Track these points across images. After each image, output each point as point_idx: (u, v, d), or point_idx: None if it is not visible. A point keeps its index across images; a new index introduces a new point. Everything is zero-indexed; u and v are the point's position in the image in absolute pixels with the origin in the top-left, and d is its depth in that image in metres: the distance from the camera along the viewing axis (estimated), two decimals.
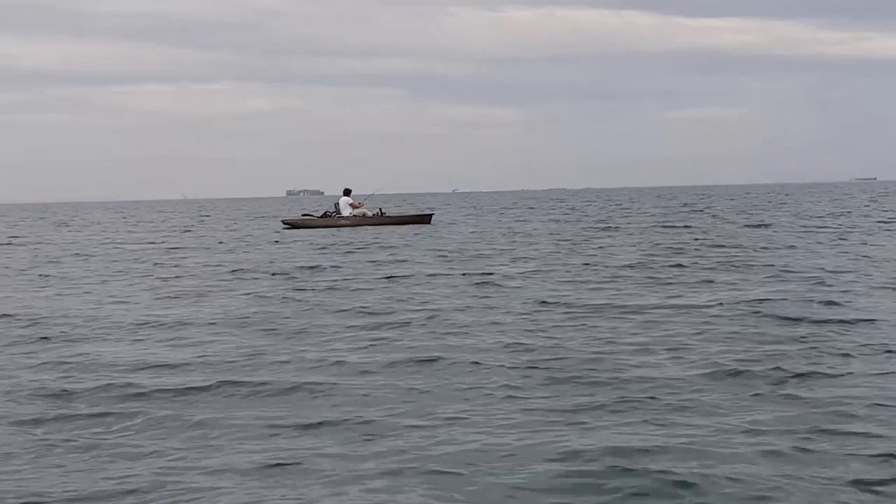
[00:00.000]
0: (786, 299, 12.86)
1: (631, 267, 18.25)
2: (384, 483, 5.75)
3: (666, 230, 31.87)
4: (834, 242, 23.74)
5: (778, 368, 8.46)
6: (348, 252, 24.39)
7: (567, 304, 12.96)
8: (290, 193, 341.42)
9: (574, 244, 25.85)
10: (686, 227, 33.69)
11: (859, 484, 5.60)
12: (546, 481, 5.71)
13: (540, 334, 10.64)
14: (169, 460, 6.32)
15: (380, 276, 17.53)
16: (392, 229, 35.16)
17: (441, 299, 14.00)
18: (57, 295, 16.14)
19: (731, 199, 76.68)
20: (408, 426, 6.93)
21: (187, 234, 40.42)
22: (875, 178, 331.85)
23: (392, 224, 38.06)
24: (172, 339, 11.01)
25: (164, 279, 18.56)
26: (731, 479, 5.64)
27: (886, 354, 9.12)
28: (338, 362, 9.27)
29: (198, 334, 11.29)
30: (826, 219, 37.29)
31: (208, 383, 8.44)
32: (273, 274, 18.89)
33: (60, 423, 7.32)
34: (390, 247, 25.89)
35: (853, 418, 6.90)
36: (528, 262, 20.36)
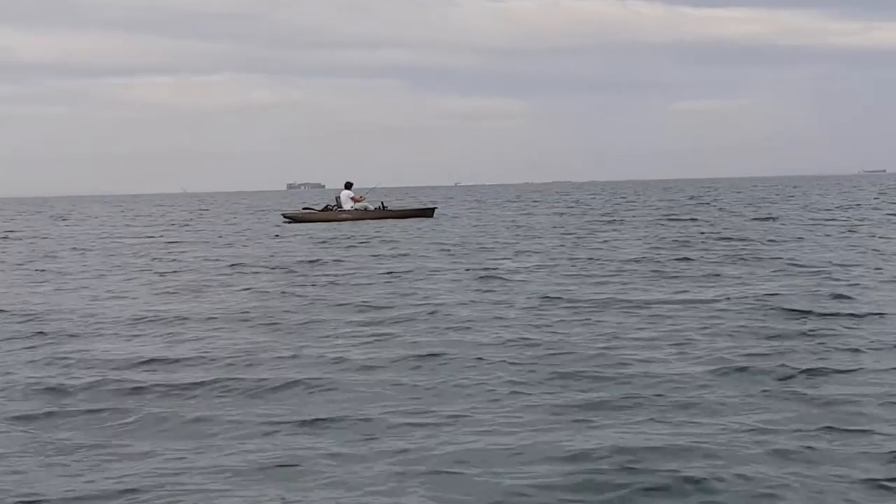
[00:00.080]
0: (794, 293, 12.79)
1: (636, 261, 18.18)
2: (385, 482, 5.66)
3: (672, 223, 31.86)
4: (842, 236, 23.66)
5: (786, 365, 8.38)
6: (350, 246, 24.33)
7: (572, 299, 12.87)
8: (290, 187, 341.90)
9: (579, 238, 25.79)
10: (692, 220, 33.67)
11: (869, 483, 5.51)
12: (550, 481, 5.61)
13: (544, 330, 10.55)
14: (167, 459, 6.26)
15: (382, 271, 17.46)
16: (394, 223, 35.10)
17: (444, 294, 13.91)
18: (54, 290, 16.07)
19: (738, 192, 76.75)
20: (410, 424, 6.84)
21: (186, 228, 40.44)
22: (884, 171, 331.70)
23: (394, 218, 37.95)
24: (171, 335, 10.93)
25: (163, 274, 18.51)
26: (738, 477, 5.56)
27: None
28: (339, 358, 9.18)
29: (197, 330, 11.22)
30: (834, 211, 37.22)
31: (207, 379, 8.38)
32: (273, 268, 18.82)
33: (57, 421, 7.25)
34: (392, 241, 25.85)
35: (862, 415, 6.82)
36: (533, 255, 20.29)
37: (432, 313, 11.88)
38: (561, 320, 11.14)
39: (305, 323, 11.46)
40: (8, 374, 8.93)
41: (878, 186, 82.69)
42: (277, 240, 28.82)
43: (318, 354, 9.41)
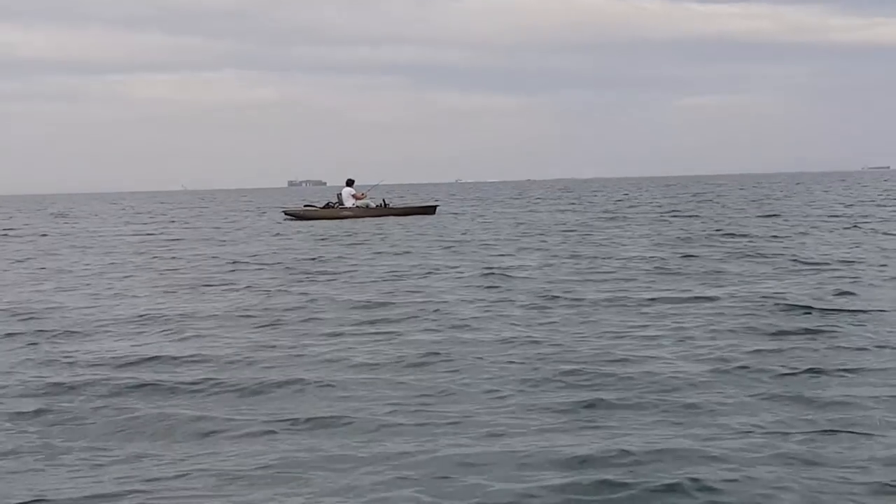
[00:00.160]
0: (797, 291, 12.73)
1: (640, 258, 18.12)
2: (386, 485, 5.60)
3: (675, 220, 31.83)
4: (847, 232, 23.62)
5: (790, 364, 8.32)
6: (351, 244, 24.29)
7: (575, 297, 12.81)
8: (291, 184, 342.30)
9: (582, 235, 25.75)
10: (696, 216, 33.68)
11: (874, 486, 5.45)
12: (553, 483, 5.55)
13: (547, 328, 10.50)
14: (166, 459, 6.22)
15: (383, 269, 17.40)
16: (396, 220, 35.02)
17: (446, 292, 13.85)
18: (54, 288, 16.00)
19: (742, 188, 76.77)
20: (411, 424, 6.79)
21: (187, 225, 40.42)
22: (888, 167, 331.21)
23: (396, 215, 37.86)
24: (172, 333, 10.88)
25: (163, 272, 18.46)
26: (742, 480, 5.50)
27: None
28: (339, 357, 9.13)
29: (197, 328, 11.17)
30: (838, 208, 37.17)
31: (208, 378, 8.34)
32: (274, 266, 18.76)
33: (57, 420, 7.22)
34: (394, 238, 25.80)
35: (867, 416, 6.75)
36: (535, 253, 20.25)
37: (435, 311, 11.82)
38: (564, 318, 11.09)
39: (306, 321, 11.41)
40: (7, 372, 8.89)
41: (882, 182, 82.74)
42: (278, 237, 28.80)
43: (319, 353, 9.36)
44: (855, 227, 25.24)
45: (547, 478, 5.63)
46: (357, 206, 37.42)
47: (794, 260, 16.81)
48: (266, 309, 12.49)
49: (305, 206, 41.45)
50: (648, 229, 27.26)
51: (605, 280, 14.78)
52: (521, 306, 12.17)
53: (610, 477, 5.59)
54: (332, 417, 6.99)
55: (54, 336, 10.88)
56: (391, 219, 36.18)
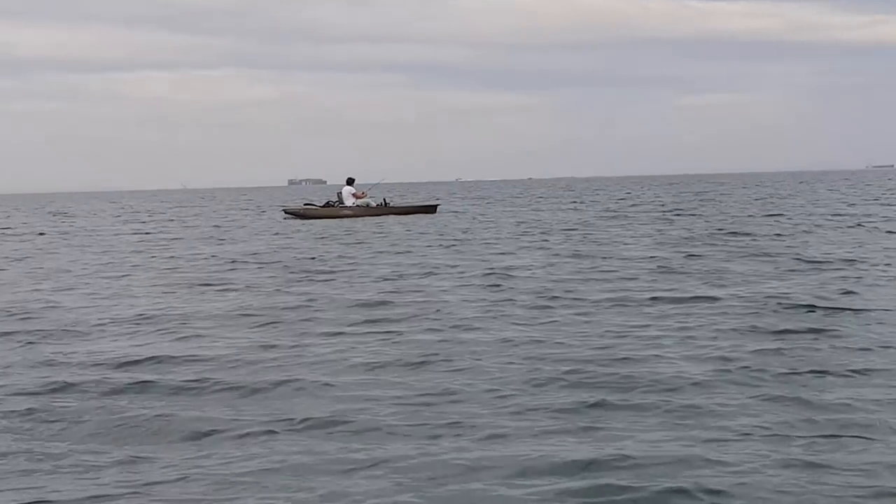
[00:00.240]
0: (801, 290, 12.67)
1: (642, 257, 18.07)
2: (385, 490, 5.54)
3: (678, 219, 31.84)
4: (850, 231, 23.56)
5: (793, 365, 8.28)
6: (351, 243, 24.26)
7: (576, 297, 12.77)
8: (291, 182, 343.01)
9: (584, 234, 25.73)
10: (698, 215, 33.70)
11: (878, 490, 5.39)
12: (554, 488, 5.49)
13: (549, 328, 10.44)
14: (164, 460, 6.18)
15: (383, 268, 17.35)
16: (396, 219, 35.00)
17: (447, 292, 13.79)
18: (52, 287, 15.95)
19: (745, 187, 76.84)
20: (411, 426, 6.73)
21: (186, 224, 40.39)
22: (892, 166, 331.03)
23: (396, 214, 37.80)
24: (170, 333, 10.84)
25: (161, 271, 18.43)
26: (744, 485, 5.44)
27: None
28: (339, 358, 9.08)
29: (196, 327, 11.13)
30: (842, 207, 37.17)
31: (205, 379, 8.30)
32: (274, 265, 18.71)
33: (52, 421, 7.17)
34: (394, 238, 25.78)
35: (871, 419, 6.69)
36: (537, 252, 20.19)
37: (435, 311, 11.77)
38: (566, 319, 11.03)
39: (306, 320, 11.36)
40: (4, 373, 8.85)
41: (886, 181, 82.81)
42: (278, 236, 28.81)
43: (318, 353, 9.32)
44: (859, 225, 25.20)
45: (549, 483, 5.57)
46: (357, 205, 37.38)
47: (798, 259, 16.77)
48: (265, 308, 12.44)
49: (305, 204, 41.38)
50: (651, 228, 27.24)
51: (607, 280, 14.73)
52: (523, 306, 12.12)
53: (612, 481, 5.53)
54: (331, 419, 6.93)
55: (51, 336, 10.84)
56: (391, 218, 36.16)
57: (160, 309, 12.65)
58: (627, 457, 5.91)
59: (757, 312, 11.03)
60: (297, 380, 8.15)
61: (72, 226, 41.78)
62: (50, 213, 63.09)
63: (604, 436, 6.40)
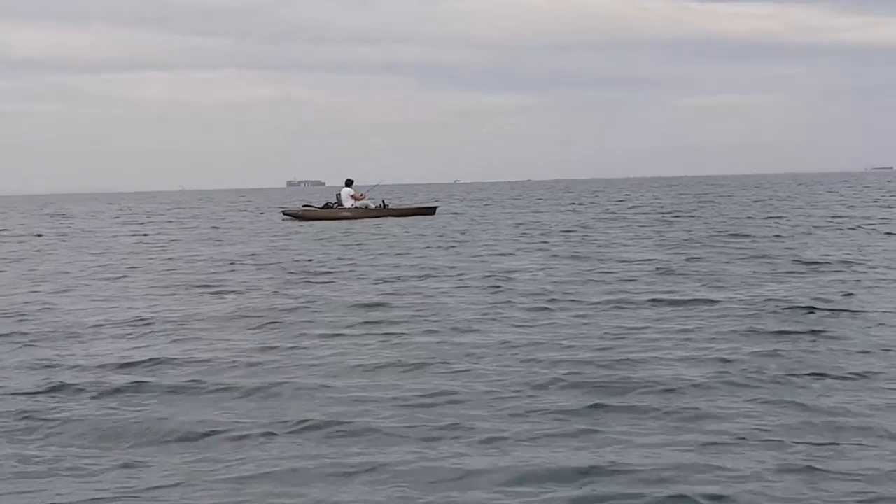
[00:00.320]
0: (800, 293, 12.65)
1: (641, 260, 18.04)
2: (383, 497, 5.52)
3: (677, 221, 31.84)
4: (850, 233, 23.56)
5: (793, 368, 8.25)
6: (350, 245, 24.26)
7: (575, 299, 12.74)
8: (290, 184, 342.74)
9: (583, 236, 25.75)
10: (698, 217, 33.67)
11: (880, 494, 5.37)
12: (554, 497, 5.46)
13: (548, 331, 10.41)
14: (161, 463, 6.17)
15: (382, 270, 17.32)
16: (395, 221, 34.97)
17: (446, 294, 13.77)
18: (49, 290, 15.90)
19: (744, 189, 76.84)
20: (409, 429, 6.70)
21: (184, 225, 40.38)
22: (892, 168, 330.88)
23: (395, 216, 37.76)
24: (168, 335, 10.81)
25: (159, 272, 18.40)
26: (744, 491, 5.42)
27: None
28: (337, 360, 9.05)
29: (193, 329, 11.10)
30: (841, 209, 37.18)
31: (203, 382, 8.28)
32: (272, 266, 18.67)
33: (49, 424, 7.14)
34: (393, 239, 25.76)
35: (871, 422, 6.66)
36: (536, 254, 20.18)
37: (434, 314, 11.74)
38: (565, 322, 11.01)
39: (304, 322, 11.34)
40: (1, 375, 8.81)
41: (886, 183, 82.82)
42: (277, 238, 28.80)
43: (317, 355, 9.30)
44: (858, 227, 25.18)
45: (547, 489, 5.55)
46: (356, 207, 37.34)
47: (797, 261, 16.75)
48: (263, 310, 12.41)
49: (304, 206, 41.35)
50: (650, 230, 27.24)
51: (606, 282, 14.72)
52: (521, 308, 12.10)
53: (611, 488, 5.51)
54: (329, 421, 6.91)
55: (48, 337, 10.80)
56: (390, 219, 36.14)
57: (158, 311, 12.63)
58: (626, 462, 5.89)
59: (756, 315, 11.02)
60: (296, 382, 8.14)
61: (70, 227, 41.76)
62: (48, 214, 63.06)
63: (602, 439, 6.38)
